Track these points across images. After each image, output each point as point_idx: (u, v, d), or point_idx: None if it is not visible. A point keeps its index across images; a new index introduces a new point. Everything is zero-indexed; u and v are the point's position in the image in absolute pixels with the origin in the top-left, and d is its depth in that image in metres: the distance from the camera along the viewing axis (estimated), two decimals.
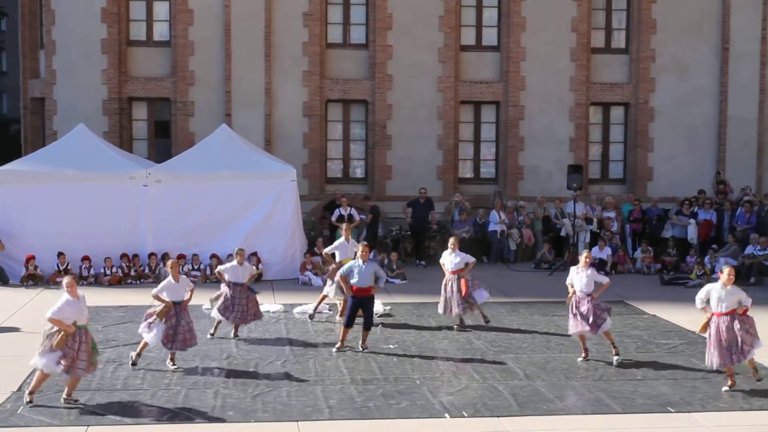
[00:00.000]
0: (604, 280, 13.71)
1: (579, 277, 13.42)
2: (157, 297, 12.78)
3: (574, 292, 13.45)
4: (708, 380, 12.30)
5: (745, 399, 11.60)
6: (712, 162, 26.26)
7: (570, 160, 25.21)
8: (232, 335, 14.73)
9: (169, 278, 12.82)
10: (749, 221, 22.65)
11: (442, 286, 15.56)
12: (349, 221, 21.74)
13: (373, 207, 23.37)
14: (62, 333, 10.92)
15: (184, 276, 13.33)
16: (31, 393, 11.08)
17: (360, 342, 14.01)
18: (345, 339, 13.96)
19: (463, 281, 15.39)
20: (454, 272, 15.47)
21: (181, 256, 20.15)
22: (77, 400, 11.09)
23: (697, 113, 26.25)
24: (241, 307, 14.60)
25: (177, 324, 12.65)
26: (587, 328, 13.29)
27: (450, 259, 15.58)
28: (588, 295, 13.35)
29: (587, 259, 13.47)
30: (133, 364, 12.83)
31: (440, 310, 15.63)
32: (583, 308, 13.29)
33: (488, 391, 11.86)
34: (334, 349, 13.86)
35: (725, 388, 11.89)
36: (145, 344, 12.84)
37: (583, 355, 13.53)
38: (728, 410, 11.21)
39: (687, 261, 22.07)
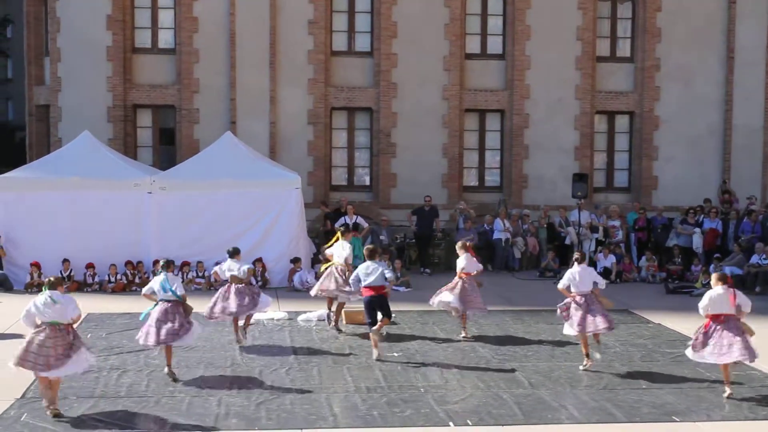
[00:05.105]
0: (601, 281, 13.71)
1: (583, 275, 13.37)
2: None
3: (575, 296, 13.39)
4: (713, 389, 12.24)
5: (750, 408, 11.55)
6: (717, 171, 26.20)
7: (575, 169, 25.19)
8: (243, 336, 14.79)
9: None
10: (754, 230, 22.62)
11: (462, 285, 15.39)
12: (355, 230, 21.67)
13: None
14: None
15: (171, 274, 13.23)
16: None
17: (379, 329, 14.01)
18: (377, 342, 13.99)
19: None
20: (471, 274, 15.52)
21: (185, 264, 20.17)
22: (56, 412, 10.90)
23: (703, 122, 26.21)
24: (239, 300, 14.59)
25: (156, 320, 12.73)
26: (603, 326, 13.27)
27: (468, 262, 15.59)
28: (591, 292, 13.36)
29: (581, 256, 13.50)
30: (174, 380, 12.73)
31: (460, 305, 15.49)
32: (593, 305, 13.26)
33: (493, 399, 11.83)
34: (375, 358, 13.77)
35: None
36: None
37: (586, 362, 13.46)
38: (733, 420, 11.16)
39: (692, 270, 22.01)
